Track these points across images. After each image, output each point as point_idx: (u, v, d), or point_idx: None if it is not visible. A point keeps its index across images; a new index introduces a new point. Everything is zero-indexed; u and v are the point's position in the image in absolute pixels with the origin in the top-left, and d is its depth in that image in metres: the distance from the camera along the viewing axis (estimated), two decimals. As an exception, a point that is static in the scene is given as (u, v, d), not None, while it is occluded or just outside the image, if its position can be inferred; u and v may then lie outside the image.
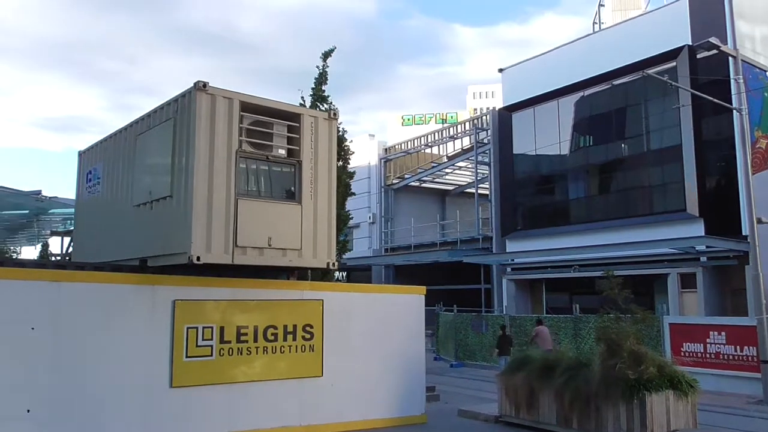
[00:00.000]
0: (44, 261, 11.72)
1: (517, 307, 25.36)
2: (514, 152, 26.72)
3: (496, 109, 28.70)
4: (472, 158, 29.71)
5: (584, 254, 22.01)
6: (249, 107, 9.21)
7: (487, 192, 29.02)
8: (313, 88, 16.58)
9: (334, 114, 10.11)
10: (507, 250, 26.24)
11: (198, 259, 8.48)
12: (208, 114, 8.80)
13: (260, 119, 9.33)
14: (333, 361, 10.20)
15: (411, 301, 11.43)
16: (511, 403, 10.77)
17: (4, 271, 8.24)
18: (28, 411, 7.88)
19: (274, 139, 9.46)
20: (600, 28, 29.14)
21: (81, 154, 12.82)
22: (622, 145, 23.47)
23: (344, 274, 33.47)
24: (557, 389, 9.78)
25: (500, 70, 27.50)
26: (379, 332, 10.84)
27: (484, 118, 29.71)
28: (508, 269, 26.34)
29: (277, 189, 9.60)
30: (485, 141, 28.75)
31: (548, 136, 25.24)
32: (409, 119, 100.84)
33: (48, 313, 8.19)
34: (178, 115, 9.17)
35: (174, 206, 9.01)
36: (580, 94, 24.10)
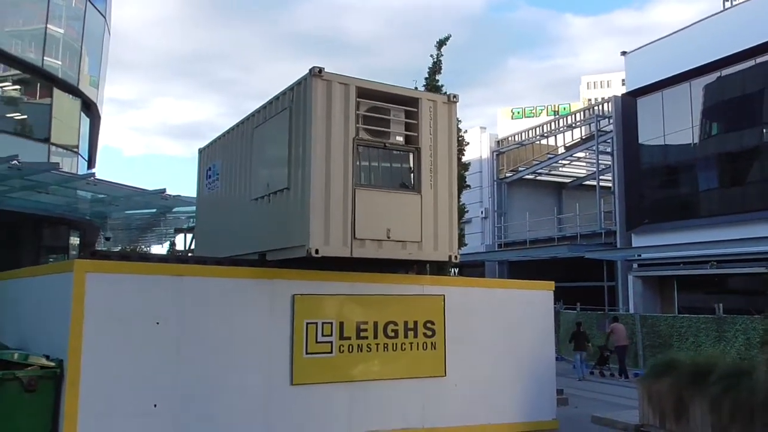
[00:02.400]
0: (167, 256, 11.98)
1: (644, 305, 23.57)
2: (640, 140, 24.88)
3: (619, 95, 26.89)
4: (592, 148, 28.07)
5: (721, 249, 20.02)
6: (366, 93, 8.79)
7: (609, 184, 27.29)
8: (426, 78, 16.07)
9: (454, 97, 9.48)
10: (633, 245, 24.47)
11: (316, 252, 8.16)
12: (324, 101, 8.46)
13: (377, 105, 8.89)
14: (456, 360, 9.59)
15: (539, 297, 10.61)
16: (654, 411, 9.69)
17: (129, 265, 8.31)
18: (155, 406, 7.88)
19: (391, 126, 8.99)
20: (732, 4, 26.56)
21: (201, 151, 13.01)
22: (764, 131, 21.16)
23: (455, 270, 32.72)
24: (713, 399, 8.62)
25: (623, 54, 25.72)
26: (504, 330, 10.11)
27: (604, 105, 27.94)
28: (635, 265, 24.56)
29: (395, 178, 9.13)
30: (606, 130, 27.02)
31: (678, 122, 23.27)
32: (518, 112, 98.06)
33: (171, 307, 8.16)
34: (293, 104, 8.91)
35: (291, 198, 8.76)
36: (716, 74, 21.97)
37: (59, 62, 16.55)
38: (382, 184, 8.97)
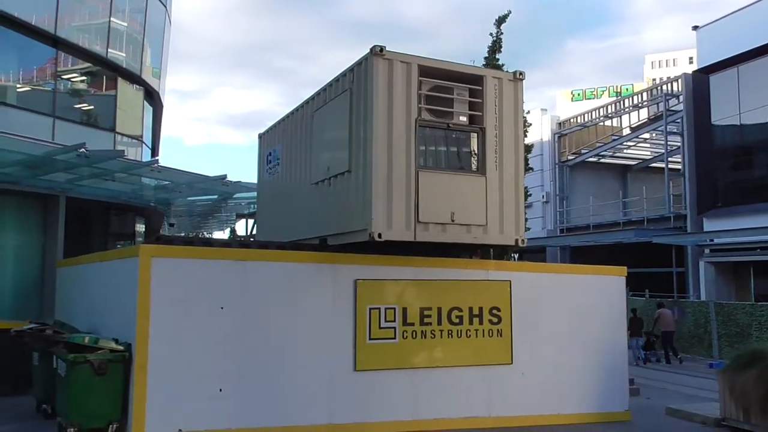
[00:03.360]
0: (229, 240, 12.04)
1: (717, 292, 22.46)
2: (712, 120, 23.61)
3: (689, 73, 25.60)
4: (660, 129, 26.85)
5: (802, 233, 18.83)
6: (428, 71, 8.50)
7: (678, 166, 26.08)
8: (486, 58, 15.63)
9: (520, 74, 9.08)
10: (704, 230, 23.32)
11: (379, 236, 7.97)
12: (385, 81, 8.22)
13: (440, 84, 8.60)
14: (523, 348, 9.27)
15: (609, 283, 10.12)
16: (737, 405, 9.11)
17: (193, 250, 8.34)
18: (221, 390, 7.89)
19: (455, 105, 8.69)
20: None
21: (261, 136, 13.01)
22: None
23: (516, 256, 32.09)
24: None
25: (695, 28, 24.40)
26: (574, 317, 9.71)
27: (672, 84, 26.65)
28: (706, 251, 23.41)
29: (459, 160, 8.84)
30: (675, 109, 25.78)
31: (755, 99, 21.91)
32: (579, 94, 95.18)
33: (235, 292, 8.15)
34: (354, 85, 8.71)
35: (353, 182, 8.59)
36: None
37: (123, 54, 16.91)
38: (445, 166, 8.71)
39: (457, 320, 8.93)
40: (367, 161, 8.20)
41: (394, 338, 8.65)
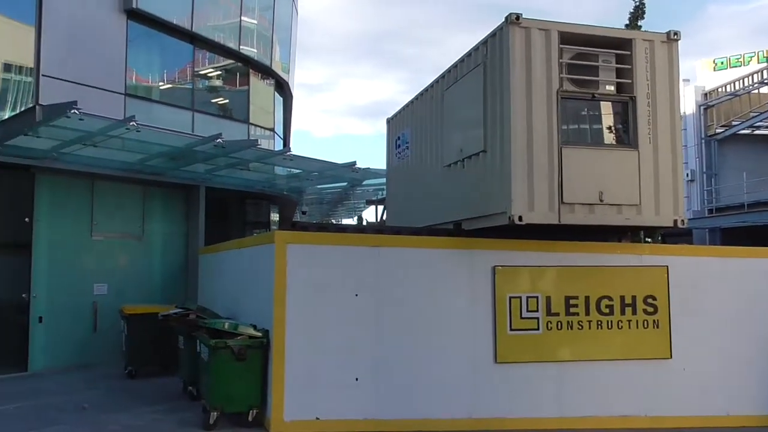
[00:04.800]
0: (363, 226, 11.96)
1: None
2: None
3: None
4: (830, 93, 23.73)
5: None
6: (569, 38, 7.76)
7: None
8: (627, 25, 14.44)
9: (675, 35, 8.07)
10: None
11: (520, 219, 7.39)
12: (522, 51, 7.59)
13: (583, 51, 7.82)
14: (684, 341, 8.32)
15: (786, 268, 8.87)
16: None
17: (328, 236, 8.22)
18: (357, 380, 7.73)
19: (600, 73, 7.87)
20: None
21: (389, 121, 12.77)
22: None
23: (658, 239, 29.87)
24: None
25: None
26: (743, 306, 8.61)
27: None
28: None
29: (606, 133, 8.04)
30: None
31: None
32: (722, 63, 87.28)
33: (369, 279, 7.94)
34: (488, 58, 8.15)
35: (489, 162, 8.06)
36: None
37: (254, 50, 17.43)
38: (591, 141, 7.96)
39: (607, 310, 8.17)
40: (504, 139, 7.63)
41: (537, 329, 8.06)
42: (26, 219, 11.59)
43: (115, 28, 13.27)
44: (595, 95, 7.85)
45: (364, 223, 23.02)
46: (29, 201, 11.61)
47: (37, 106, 9.38)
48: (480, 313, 8.06)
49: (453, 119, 9.28)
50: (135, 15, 13.54)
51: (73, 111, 8.80)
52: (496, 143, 7.86)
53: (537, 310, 8.08)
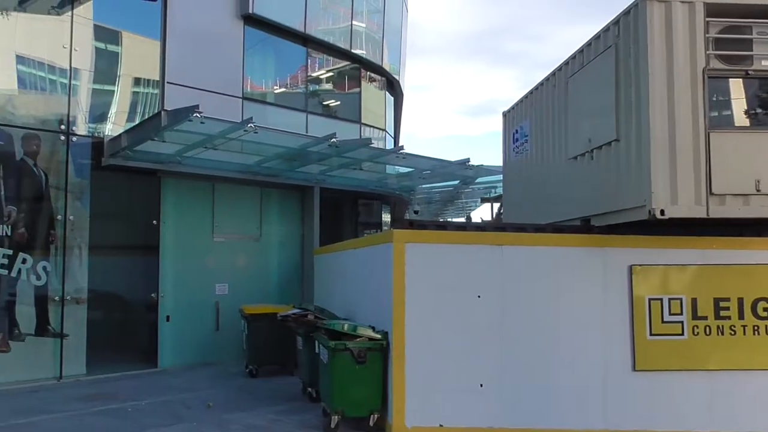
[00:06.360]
0: (484, 224, 11.49)
1: None
2: None
3: None
4: None
5: None
6: (717, 9, 6.92)
7: None
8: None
9: None
10: None
11: (662, 213, 6.67)
12: (662, 27, 6.86)
13: (734, 23, 6.97)
14: None
15: None
16: None
17: (448, 235, 7.84)
18: (481, 386, 7.32)
19: (754, 47, 6.97)
20: None
21: (505, 114, 12.22)
22: None
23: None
24: None
25: None
26: None
27: None
28: None
29: (763, 114, 7.12)
30: None
31: None
32: None
33: (492, 279, 7.50)
34: (620, 39, 7.47)
35: (623, 151, 7.38)
36: None
37: (364, 52, 17.47)
38: (745, 124, 7.07)
39: (765, 314, 7.24)
40: (641, 126, 6.94)
41: (682, 334, 7.28)
42: (154, 222, 12.11)
43: (233, 34, 13.64)
44: (749, 72, 6.96)
45: (481, 220, 22.46)
46: (156, 204, 12.12)
47: (162, 112, 9.70)
48: (614, 317, 7.40)
49: (579, 108, 8.63)
50: (251, 20, 13.87)
51: (195, 114, 9.02)
52: (631, 130, 7.17)
53: (681, 313, 7.30)
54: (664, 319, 7.29)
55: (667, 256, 7.46)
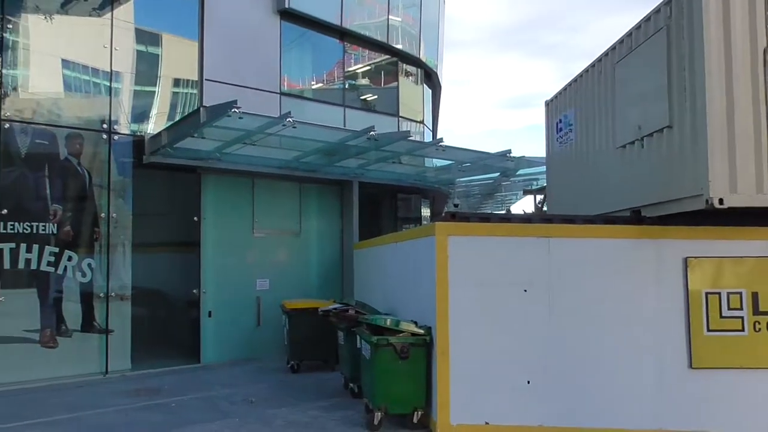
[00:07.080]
0: (530, 215, 11.20)
1: None
2: None
3: None
4: None
5: None
6: (779, -14, 6.54)
7: None
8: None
9: None
10: None
11: (720, 202, 6.32)
12: (719, 7, 6.49)
13: (796, 0, 6.57)
14: None
15: None
16: None
17: (492, 227, 7.61)
18: (528, 383, 7.09)
19: (821, 24, 6.57)
20: None
21: (548, 103, 11.88)
22: None
23: None
24: None
25: None
26: None
27: None
28: None
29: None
30: None
31: None
32: None
33: (539, 272, 7.25)
34: (672, 20, 7.12)
35: (676, 138, 7.03)
36: None
37: (400, 46, 17.31)
38: (812, 106, 6.65)
39: (832, 309, 6.84)
40: (696, 110, 6.59)
41: (742, 330, 6.91)
42: (195, 218, 12.17)
43: (270, 29, 13.61)
44: (815, 50, 6.55)
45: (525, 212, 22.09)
46: (197, 201, 12.17)
47: (201, 108, 9.69)
48: (669, 311, 7.08)
49: (628, 94, 8.29)
50: (287, 15, 13.81)
51: (233, 110, 8.97)
52: (685, 116, 6.83)
53: (741, 308, 6.93)
54: (723, 315, 6.94)
55: (724, 248, 7.09)
